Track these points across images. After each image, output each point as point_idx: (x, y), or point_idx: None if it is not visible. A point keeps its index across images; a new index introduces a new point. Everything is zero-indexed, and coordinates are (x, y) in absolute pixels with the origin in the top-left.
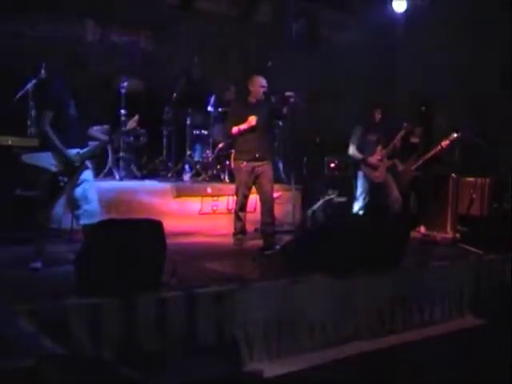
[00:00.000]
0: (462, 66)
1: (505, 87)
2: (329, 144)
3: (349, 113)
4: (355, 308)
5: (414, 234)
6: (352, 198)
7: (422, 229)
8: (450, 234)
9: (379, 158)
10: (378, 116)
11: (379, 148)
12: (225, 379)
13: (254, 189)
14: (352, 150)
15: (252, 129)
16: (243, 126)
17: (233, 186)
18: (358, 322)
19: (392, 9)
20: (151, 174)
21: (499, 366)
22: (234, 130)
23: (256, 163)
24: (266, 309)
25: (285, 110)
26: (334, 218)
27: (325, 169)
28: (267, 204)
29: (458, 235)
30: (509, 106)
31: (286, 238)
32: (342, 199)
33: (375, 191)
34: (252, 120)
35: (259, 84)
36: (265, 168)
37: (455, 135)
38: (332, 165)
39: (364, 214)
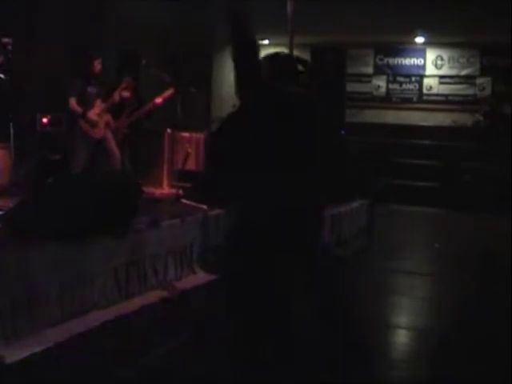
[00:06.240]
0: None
1: None
2: (41, 98)
3: (61, 64)
4: (90, 276)
5: None
6: (68, 155)
7: None
8: (166, 190)
9: (98, 112)
10: (98, 67)
11: (98, 101)
12: None
13: None
14: (72, 103)
15: None
16: None
17: None
18: (95, 291)
19: None
20: None
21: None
22: None
23: None
24: None
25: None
26: (54, 178)
27: (37, 125)
28: None
29: (180, 191)
30: None
31: None
32: (57, 157)
33: (94, 147)
34: None
35: None
36: None
37: (169, 92)
38: (44, 120)
39: (84, 172)
